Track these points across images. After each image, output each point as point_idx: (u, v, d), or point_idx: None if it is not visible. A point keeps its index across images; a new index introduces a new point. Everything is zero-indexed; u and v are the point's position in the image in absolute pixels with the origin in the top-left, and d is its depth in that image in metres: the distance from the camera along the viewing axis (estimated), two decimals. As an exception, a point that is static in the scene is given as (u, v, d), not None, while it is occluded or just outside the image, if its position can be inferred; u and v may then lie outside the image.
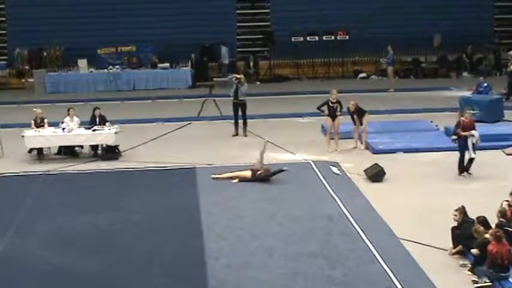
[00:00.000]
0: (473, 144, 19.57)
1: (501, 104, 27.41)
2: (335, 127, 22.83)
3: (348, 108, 23.11)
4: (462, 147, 19.70)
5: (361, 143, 23.06)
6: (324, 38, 37.79)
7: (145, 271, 14.23)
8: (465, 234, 14.18)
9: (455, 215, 14.55)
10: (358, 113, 23.00)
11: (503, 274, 13.02)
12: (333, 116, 22.70)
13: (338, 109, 22.74)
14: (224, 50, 37.56)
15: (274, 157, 22.25)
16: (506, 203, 15.33)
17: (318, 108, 23.04)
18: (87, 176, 20.98)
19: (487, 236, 13.49)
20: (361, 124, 22.98)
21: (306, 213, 17.03)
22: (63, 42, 37.56)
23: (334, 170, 20.61)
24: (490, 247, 13.11)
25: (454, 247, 14.48)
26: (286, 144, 23.10)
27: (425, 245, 14.96)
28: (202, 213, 17.23)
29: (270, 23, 39.99)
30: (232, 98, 25.35)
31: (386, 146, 22.76)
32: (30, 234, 16.23)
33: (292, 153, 22.37)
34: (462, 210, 14.58)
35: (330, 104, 22.74)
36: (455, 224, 14.60)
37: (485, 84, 28.12)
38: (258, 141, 24.07)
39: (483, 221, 14.14)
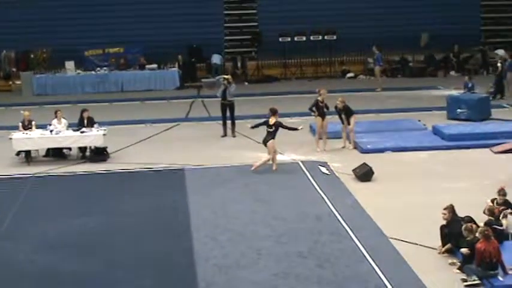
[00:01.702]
0: None
1: (488, 103, 27.51)
2: (323, 127, 22.86)
3: (336, 106, 23.11)
4: None
5: (350, 143, 23.09)
6: (312, 38, 37.83)
7: (135, 273, 14.21)
8: (454, 232, 14.21)
9: (445, 214, 14.58)
10: (346, 112, 23.00)
11: (492, 272, 13.06)
12: (322, 115, 22.73)
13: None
14: (216, 57, 37.53)
15: (263, 157, 22.24)
16: (489, 201, 15.44)
17: (310, 109, 23.03)
18: (76, 178, 20.94)
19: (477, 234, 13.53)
20: (348, 123, 23.01)
21: (295, 214, 17.05)
22: (50, 44, 37.47)
23: (323, 169, 20.64)
24: (478, 245, 13.15)
25: (443, 246, 14.52)
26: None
27: (414, 243, 14.99)
28: (191, 215, 17.23)
29: (257, 23, 39.99)
30: (220, 98, 25.35)
31: (374, 146, 22.79)
32: (20, 238, 16.19)
33: (280, 153, 22.33)
34: (451, 209, 14.61)
35: (320, 104, 22.75)
36: (444, 222, 14.63)
37: (470, 85, 28.19)
38: (246, 142, 24.13)
39: (470, 222, 14.17)
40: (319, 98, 22.81)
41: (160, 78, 36.37)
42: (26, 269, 14.55)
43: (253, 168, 20.63)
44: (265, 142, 20.77)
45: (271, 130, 20.73)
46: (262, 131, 23.95)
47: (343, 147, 23.08)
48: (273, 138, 20.67)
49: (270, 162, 20.77)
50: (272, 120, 20.77)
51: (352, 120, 22.97)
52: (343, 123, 23.13)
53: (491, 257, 13.03)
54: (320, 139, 22.98)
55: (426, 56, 38.77)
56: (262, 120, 21.24)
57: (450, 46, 37.94)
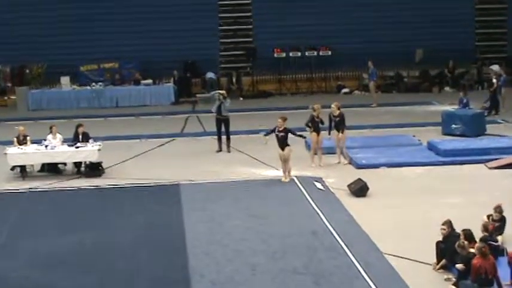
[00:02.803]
0: None
1: (483, 119, 27.55)
2: (318, 142, 22.87)
3: (331, 113, 23.00)
4: None
5: (344, 158, 23.08)
6: (307, 53, 37.93)
7: (130, 289, 14.21)
8: (452, 248, 14.18)
9: (444, 229, 14.54)
10: (341, 120, 22.90)
11: (488, 288, 13.05)
12: (318, 131, 22.74)
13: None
14: (211, 73, 37.61)
15: (258, 173, 22.27)
16: (485, 217, 15.42)
17: (306, 124, 22.98)
18: (71, 194, 20.90)
19: (471, 250, 13.51)
20: (342, 132, 22.89)
21: (290, 229, 17.02)
22: (46, 60, 37.46)
23: (318, 185, 20.62)
24: (474, 261, 13.11)
25: (438, 261, 14.51)
26: (269, 160, 23.09)
27: (409, 259, 14.98)
28: (186, 230, 17.19)
29: (252, 39, 40.07)
30: (215, 114, 25.36)
31: (369, 161, 22.80)
32: (14, 253, 16.14)
33: (275, 168, 22.35)
34: (450, 224, 14.58)
35: (316, 119, 22.76)
36: (440, 238, 14.61)
37: (465, 100, 28.23)
38: (241, 157, 24.13)
39: (469, 235, 14.13)
40: (315, 114, 22.82)
41: (156, 94, 36.42)
42: (20, 285, 14.49)
43: (287, 180, 21.00)
44: (282, 148, 21.06)
45: (282, 135, 20.99)
46: (256, 147, 24.06)
47: (338, 162, 23.07)
48: (287, 145, 21.01)
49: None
50: (282, 126, 21.11)
51: (344, 132, 22.93)
52: (329, 133, 23.02)
53: (487, 273, 13.00)
54: (315, 154, 22.98)
55: (421, 71, 38.87)
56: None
57: (445, 62, 38.06)
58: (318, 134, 22.77)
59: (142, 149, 25.76)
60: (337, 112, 23.06)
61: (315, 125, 22.73)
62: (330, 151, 23.27)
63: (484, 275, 12.97)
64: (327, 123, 23.07)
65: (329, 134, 23.14)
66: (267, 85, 38.84)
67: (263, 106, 34.41)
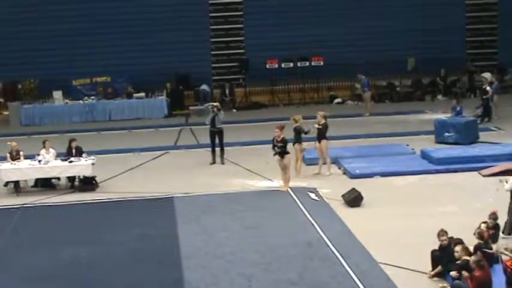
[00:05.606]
0: None
1: (476, 126, 27.59)
2: (302, 151, 22.83)
3: (318, 124, 22.96)
4: None
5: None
6: (299, 64, 37.91)
7: (125, 303, 14.18)
8: (448, 256, 14.17)
9: (445, 240, 14.49)
10: (323, 129, 22.88)
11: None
12: (300, 141, 22.67)
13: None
14: (205, 87, 37.60)
15: (252, 184, 22.26)
16: (484, 224, 15.42)
17: (295, 138, 22.84)
18: (65, 208, 20.86)
19: (466, 258, 13.53)
20: (319, 142, 22.84)
21: (284, 240, 17.01)
22: (38, 75, 37.45)
23: (312, 196, 20.63)
24: (477, 274, 13.05)
25: (433, 269, 14.52)
26: (263, 171, 23.11)
27: (404, 268, 14.98)
28: (181, 243, 17.18)
29: (244, 50, 40.10)
30: (208, 126, 25.36)
31: (363, 171, 22.80)
32: (9, 269, 16.10)
33: (269, 179, 22.37)
34: (446, 233, 14.55)
35: (301, 132, 22.70)
36: (434, 246, 14.61)
37: (458, 108, 28.26)
38: (235, 169, 24.11)
39: (461, 244, 14.17)
40: (298, 124, 22.65)
41: (148, 107, 36.36)
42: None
43: (284, 189, 21.02)
44: (281, 156, 21.10)
45: (280, 145, 21.01)
46: (250, 159, 24.03)
47: (329, 174, 23.00)
48: (286, 153, 21.04)
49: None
50: (280, 136, 21.09)
51: (321, 142, 22.84)
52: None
53: (488, 286, 13.00)
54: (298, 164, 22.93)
55: (413, 80, 38.93)
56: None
57: (437, 70, 38.15)
58: (301, 143, 22.69)
59: (136, 163, 25.73)
60: (322, 121, 22.99)
61: (299, 136, 22.63)
62: (324, 161, 23.25)
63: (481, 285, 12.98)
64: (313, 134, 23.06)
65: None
66: (260, 96, 38.81)
67: (256, 117, 34.40)
